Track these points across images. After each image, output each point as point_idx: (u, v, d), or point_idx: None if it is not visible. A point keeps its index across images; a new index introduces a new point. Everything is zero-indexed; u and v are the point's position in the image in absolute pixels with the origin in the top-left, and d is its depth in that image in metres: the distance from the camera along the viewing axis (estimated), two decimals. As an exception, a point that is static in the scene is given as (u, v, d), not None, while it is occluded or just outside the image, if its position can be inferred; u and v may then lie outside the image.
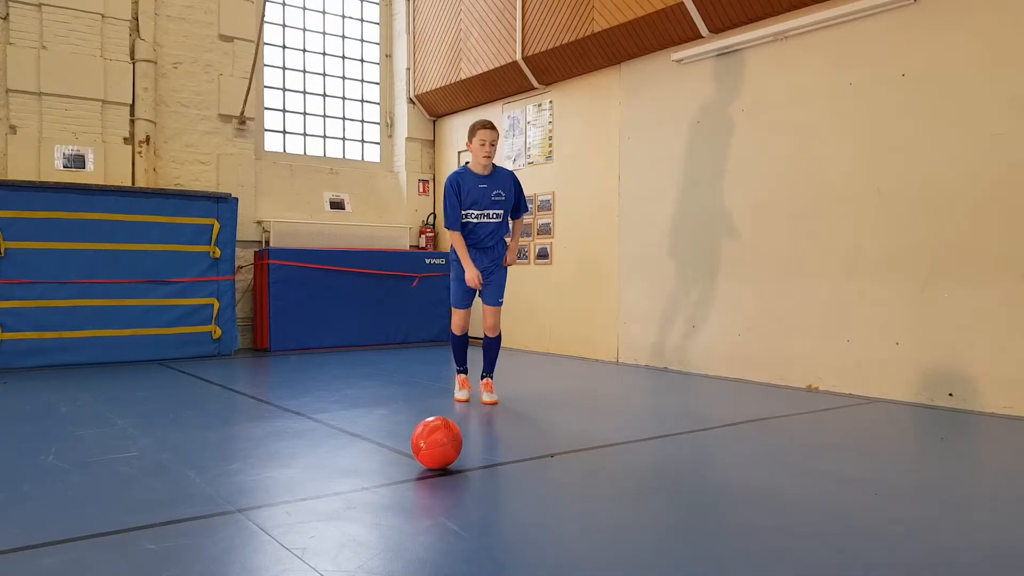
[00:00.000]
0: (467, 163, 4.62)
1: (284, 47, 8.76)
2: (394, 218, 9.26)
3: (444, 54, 8.61)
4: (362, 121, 9.40)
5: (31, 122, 6.81)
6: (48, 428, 3.90)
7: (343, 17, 9.25)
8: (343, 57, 9.23)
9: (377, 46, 9.51)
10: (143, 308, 6.84)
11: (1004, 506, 2.72)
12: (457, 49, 8.39)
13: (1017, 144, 4.40)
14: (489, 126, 4.49)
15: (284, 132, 8.77)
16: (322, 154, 9.02)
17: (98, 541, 2.27)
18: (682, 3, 5.89)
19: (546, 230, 7.78)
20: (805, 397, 5.10)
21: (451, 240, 4.61)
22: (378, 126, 9.52)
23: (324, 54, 9.06)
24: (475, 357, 4.99)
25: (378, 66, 9.51)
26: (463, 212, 4.54)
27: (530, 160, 7.97)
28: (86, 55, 6.99)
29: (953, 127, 4.68)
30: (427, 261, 8.68)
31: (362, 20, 9.42)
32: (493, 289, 4.73)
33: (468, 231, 4.59)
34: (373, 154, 9.49)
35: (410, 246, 9.18)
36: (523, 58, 7.48)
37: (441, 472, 3.07)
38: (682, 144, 6.36)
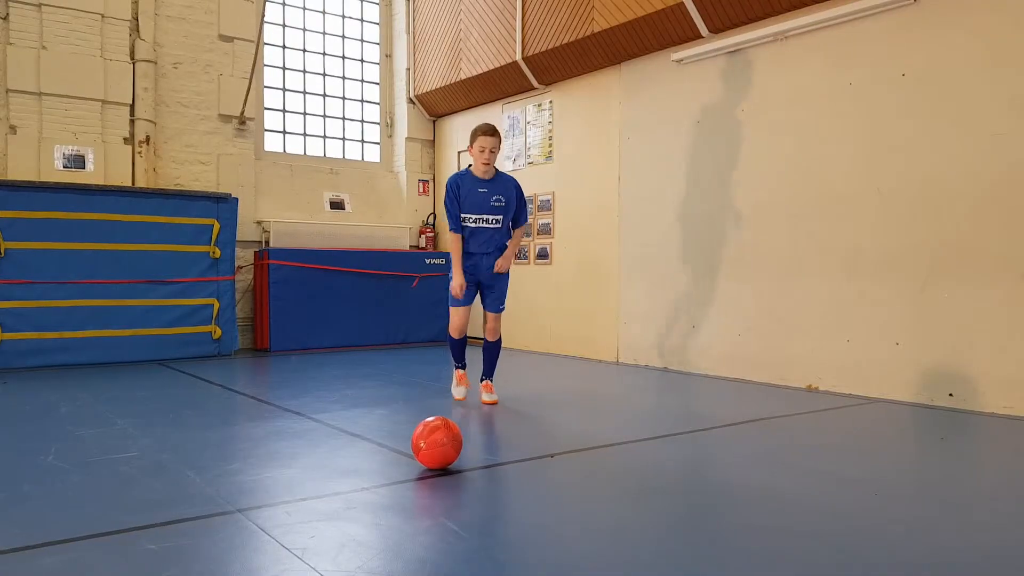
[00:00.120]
0: (469, 165, 4.54)
1: (284, 47, 8.76)
2: (394, 218, 9.26)
3: (444, 54, 8.61)
4: (362, 121, 9.40)
5: (31, 122, 6.81)
6: (48, 428, 3.90)
7: (343, 17, 9.25)
8: (343, 57, 9.23)
9: (377, 46, 9.51)
10: (143, 308, 6.84)
11: (1004, 506, 2.72)
12: (457, 49, 8.39)
13: (1017, 144, 4.40)
14: (490, 132, 4.39)
15: (284, 132, 8.77)
16: (322, 154, 9.02)
17: (98, 541, 2.27)
18: (682, 3, 5.89)
19: (546, 230, 7.78)
20: (805, 397, 5.10)
21: (449, 241, 4.59)
22: (378, 126, 9.52)
23: (324, 54, 9.06)
24: (475, 358, 4.99)
25: (378, 66, 9.52)
26: (462, 216, 4.48)
27: (530, 160, 7.97)
28: (86, 55, 6.99)
29: (953, 127, 4.68)
30: (427, 261, 8.68)
31: (362, 20, 9.42)
32: (495, 297, 4.66)
33: (467, 236, 4.51)
34: (373, 154, 9.49)
35: (410, 246, 9.18)
36: (523, 58, 7.48)
37: (441, 472, 3.07)
38: (682, 144, 6.36)
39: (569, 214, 7.52)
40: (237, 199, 7.46)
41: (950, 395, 4.68)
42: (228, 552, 2.20)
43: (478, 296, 4.72)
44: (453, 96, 8.74)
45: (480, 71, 8.03)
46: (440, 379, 5.81)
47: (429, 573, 2.04)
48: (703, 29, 6.00)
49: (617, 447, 3.59)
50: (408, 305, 8.51)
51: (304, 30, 8.92)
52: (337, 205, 8.84)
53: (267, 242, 8.18)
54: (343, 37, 9.24)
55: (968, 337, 4.60)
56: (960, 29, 4.65)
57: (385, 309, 8.37)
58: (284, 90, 8.75)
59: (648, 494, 2.85)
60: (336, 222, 8.65)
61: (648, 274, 6.68)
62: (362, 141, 9.39)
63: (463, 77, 8.31)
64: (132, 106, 7.33)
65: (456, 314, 4.61)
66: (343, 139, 9.22)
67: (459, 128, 9.05)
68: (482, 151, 4.39)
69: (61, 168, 6.87)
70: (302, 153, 8.87)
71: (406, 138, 9.31)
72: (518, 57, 7.50)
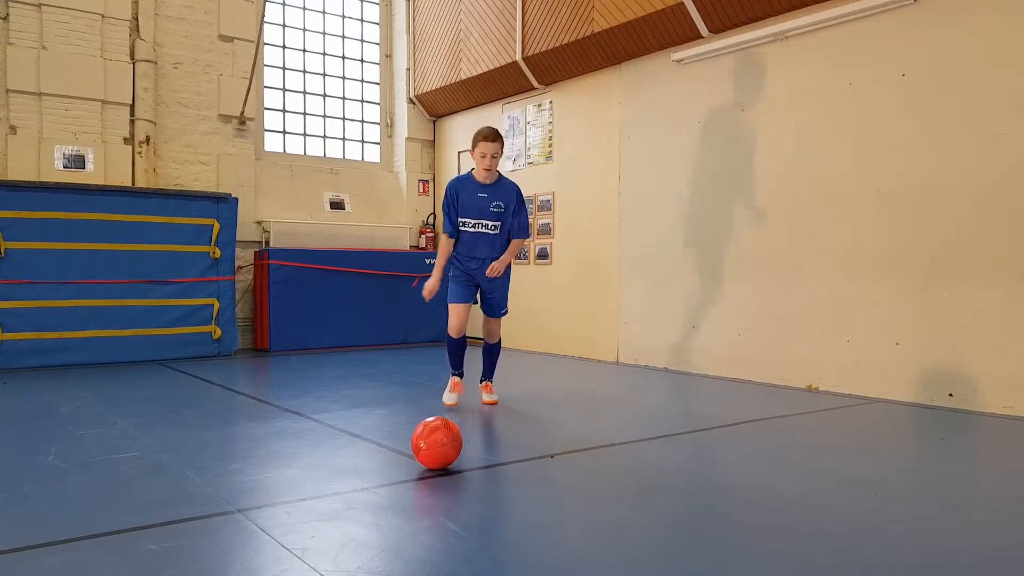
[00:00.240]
0: (472, 169, 4.50)
1: (284, 47, 8.76)
2: (394, 218, 9.26)
3: (444, 54, 8.61)
4: (362, 121, 9.40)
5: (31, 122, 6.81)
6: (48, 428, 3.90)
7: (343, 17, 9.25)
8: (343, 57, 9.23)
9: (377, 46, 9.51)
10: (143, 308, 6.84)
11: (1004, 506, 2.72)
12: (457, 49, 8.40)
13: (1017, 144, 4.40)
14: (491, 138, 4.29)
15: (284, 132, 8.77)
16: (322, 154, 9.02)
17: (98, 541, 2.27)
18: (682, 3, 5.89)
19: (546, 230, 7.78)
20: (805, 397, 5.10)
21: (440, 243, 4.56)
22: (378, 126, 9.52)
23: (324, 54, 9.07)
24: (474, 358, 4.99)
25: (378, 66, 9.52)
26: (460, 220, 4.44)
27: (530, 160, 7.97)
28: (86, 55, 6.99)
29: (953, 127, 4.68)
30: (427, 261, 8.66)
31: (362, 20, 9.42)
32: (494, 302, 4.62)
33: (465, 241, 4.47)
34: (373, 154, 9.49)
35: (410, 246, 9.18)
36: (523, 58, 7.48)
37: (441, 472, 3.07)
38: (682, 144, 6.35)
39: (569, 214, 7.52)
40: (237, 199, 7.46)
41: (950, 395, 4.68)
42: (228, 552, 2.20)
43: (480, 307, 4.68)
44: (453, 96, 8.74)
45: (480, 71, 8.03)
46: (440, 379, 5.81)
47: (429, 573, 2.04)
48: (703, 29, 6.00)
49: (617, 447, 3.59)
50: (408, 305, 8.50)
51: (304, 30, 8.92)
52: (337, 205, 8.84)
53: (267, 242, 8.18)
54: (343, 37, 9.24)
55: (968, 337, 4.60)
56: (960, 29, 4.65)
57: (385, 309, 8.37)
58: (284, 90, 8.75)
59: (648, 494, 2.85)
60: (336, 222, 8.65)
61: (648, 274, 6.68)
62: (362, 141, 9.39)
63: (463, 77, 8.31)
64: (132, 106, 7.33)
65: (454, 312, 4.50)
66: (343, 139, 9.22)
67: (459, 128, 9.05)
68: (483, 157, 4.32)
69: (61, 168, 6.87)
70: (302, 153, 8.87)
71: (406, 138, 9.31)
72: (518, 57, 7.50)
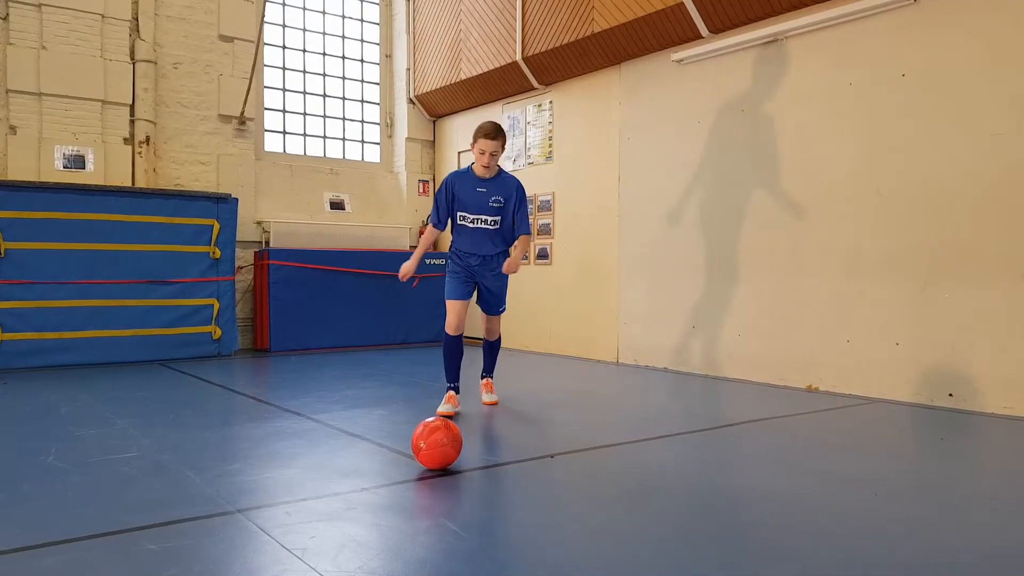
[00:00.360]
0: (472, 163, 4.41)
1: (284, 47, 8.76)
2: (394, 218, 9.26)
3: (444, 54, 8.61)
4: (362, 121, 9.40)
5: (31, 122, 6.81)
6: (48, 428, 3.90)
7: (343, 17, 9.25)
8: (343, 57, 9.23)
9: (377, 46, 9.51)
10: (143, 308, 6.84)
11: (1004, 506, 2.72)
12: (457, 49, 8.40)
13: (1017, 144, 4.40)
14: (491, 135, 4.21)
15: (284, 132, 8.77)
16: (322, 154, 9.02)
17: (98, 541, 2.27)
18: (682, 3, 5.89)
19: (546, 230, 7.78)
20: (805, 397, 5.10)
21: (425, 231, 4.51)
22: (378, 126, 9.52)
23: (324, 54, 9.07)
24: (474, 358, 4.98)
25: (378, 66, 9.52)
26: (459, 214, 4.39)
27: (530, 160, 7.97)
28: (86, 55, 6.99)
29: (953, 127, 4.68)
30: (427, 261, 8.66)
31: (362, 20, 9.42)
32: (493, 300, 4.57)
33: (464, 237, 4.41)
34: (373, 154, 9.49)
35: (410, 246, 9.17)
36: (523, 58, 7.48)
37: (441, 472, 3.07)
38: (682, 144, 6.36)
39: (569, 214, 7.52)
40: (237, 199, 7.46)
41: (950, 395, 4.68)
42: (228, 552, 2.20)
43: (477, 304, 4.64)
44: (453, 96, 8.74)
45: (480, 71, 8.03)
46: (440, 379, 5.80)
47: (429, 573, 2.04)
48: (703, 29, 6.00)
49: (617, 447, 3.59)
50: (408, 305, 8.51)
51: (304, 30, 8.92)
52: (337, 205, 8.84)
53: (267, 242, 8.18)
54: (343, 37, 9.24)
55: (968, 337, 4.60)
56: (960, 29, 4.65)
57: (385, 309, 8.37)
58: (284, 90, 8.75)
59: (648, 494, 2.85)
60: (336, 222, 8.65)
61: (648, 274, 6.68)
62: (362, 141, 9.39)
63: (463, 77, 8.31)
64: (132, 106, 7.33)
65: (452, 308, 4.38)
66: (343, 139, 9.22)
67: (459, 128, 9.05)
68: (482, 154, 4.24)
69: (61, 168, 6.87)
70: (302, 153, 8.87)
71: (406, 138, 9.32)
72: (518, 57, 7.50)
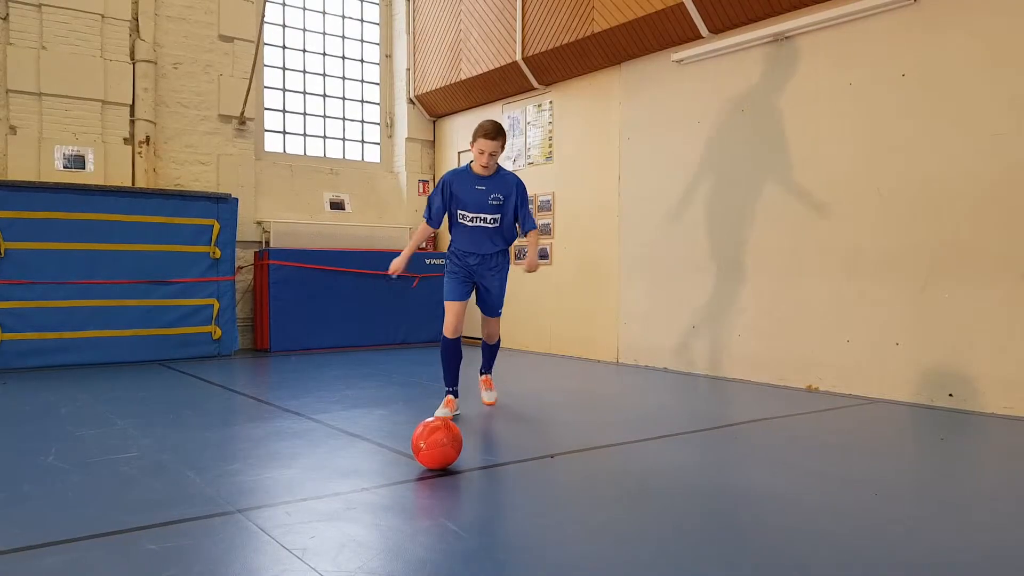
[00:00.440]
0: (471, 162, 4.31)
1: (284, 47, 8.76)
2: (394, 219, 9.26)
3: (444, 54, 8.61)
4: (362, 121, 9.40)
5: (31, 122, 6.81)
6: (48, 428, 3.90)
7: (343, 17, 9.25)
8: (343, 57, 9.23)
9: (377, 46, 9.51)
10: (143, 308, 6.84)
11: (1004, 506, 2.72)
12: (457, 49, 8.40)
13: (1017, 144, 4.40)
14: (490, 135, 4.12)
15: (284, 132, 8.77)
16: (322, 154, 9.02)
17: (98, 541, 2.27)
18: (682, 3, 5.89)
19: (546, 230, 7.78)
20: (805, 397, 5.10)
21: (419, 227, 4.45)
22: (378, 126, 9.52)
23: (324, 54, 9.07)
24: (473, 358, 4.98)
25: (378, 66, 9.52)
26: (458, 213, 4.30)
27: (530, 160, 7.97)
28: (86, 55, 6.99)
29: (953, 127, 4.68)
30: (427, 261, 8.68)
31: (362, 20, 9.42)
32: (492, 301, 4.49)
33: (463, 236, 4.34)
34: (373, 154, 9.49)
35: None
36: (523, 58, 7.48)
37: (441, 472, 3.07)
38: (682, 144, 6.36)
39: (569, 214, 7.52)
40: (237, 199, 7.46)
41: (950, 395, 4.68)
42: (228, 552, 2.20)
43: (477, 304, 4.59)
44: (453, 96, 8.74)
45: (480, 71, 8.03)
46: (440, 379, 5.81)
47: (429, 573, 2.04)
48: (703, 29, 6.00)
49: (617, 447, 3.59)
50: (408, 305, 8.51)
51: (304, 30, 8.92)
52: (337, 205, 8.84)
53: (267, 242, 8.18)
54: (343, 37, 9.24)
55: (968, 337, 4.60)
56: (960, 29, 4.65)
57: (385, 309, 8.37)
58: (284, 90, 8.75)
59: (648, 494, 2.85)
60: (336, 222, 8.65)
61: (648, 274, 6.68)
62: (362, 141, 9.39)
63: (463, 77, 8.31)
64: (132, 106, 7.33)
65: (451, 309, 4.32)
66: (343, 139, 9.22)
67: (459, 128, 9.05)
68: (481, 153, 4.15)
69: (61, 168, 6.87)
70: (302, 153, 8.87)
71: (406, 138, 9.32)
72: (518, 57, 7.50)
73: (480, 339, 4.82)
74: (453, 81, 8.46)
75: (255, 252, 8.07)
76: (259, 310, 7.93)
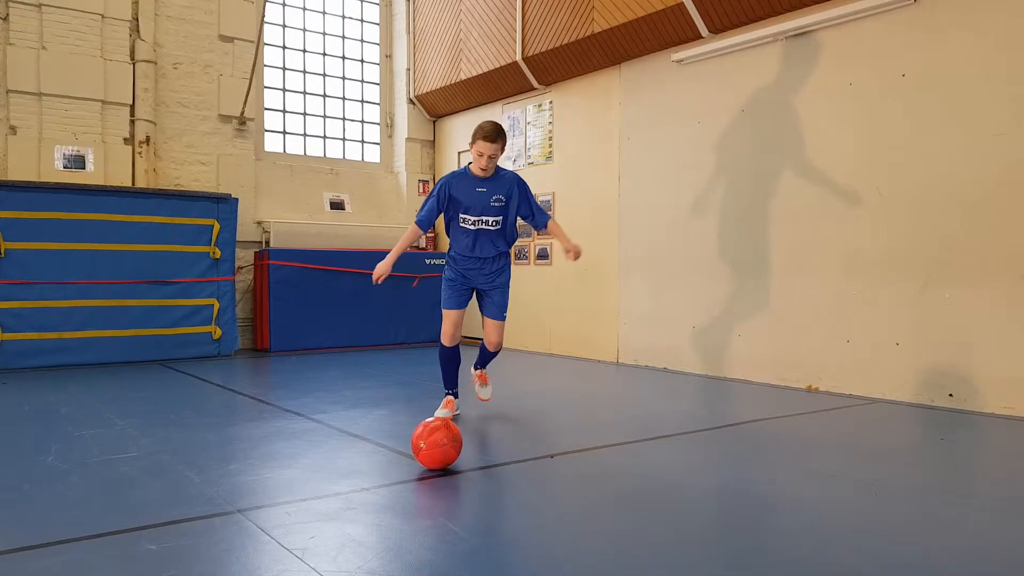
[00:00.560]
0: (469, 163, 4.17)
1: (284, 47, 8.76)
2: (394, 219, 9.26)
3: (444, 54, 8.61)
4: (362, 122, 9.40)
5: (31, 122, 6.81)
6: (48, 428, 3.90)
7: (343, 17, 9.25)
8: (343, 58, 9.24)
9: (377, 47, 9.51)
10: (143, 309, 6.84)
11: (1004, 506, 2.72)
12: (457, 49, 8.40)
13: (1017, 144, 4.40)
14: (490, 138, 3.96)
15: (284, 132, 8.77)
16: (322, 154, 9.02)
17: (98, 541, 2.27)
18: (682, 3, 5.89)
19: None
20: (805, 397, 5.10)
21: (407, 230, 4.21)
22: (378, 127, 9.52)
23: (324, 55, 9.07)
24: (471, 359, 4.97)
25: (378, 66, 9.52)
26: (460, 216, 4.13)
27: (530, 160, 7.97)
28: (86, 55, 6.99)
29: (953, 127, 4.68)
30: (427, 262, 8.68)
31: (362, 20, 9.42)
32: (495, 303, 4.29)
33: (464, 240, 4.16)
34: (373, 155, 9.49)
35: (410, 247, 9.17)
36: (523, 58, 7.48)
37: (441, 472, 3.07)
38: (682, 144, 6.36)
39: (569, 214, 7.52)
40: (237, 199, 7.46)
41: (950, 395, 4.68)
42: (228, 552, 2.20)
43: (479, 310, 4.44)
44: (453, 96, 8.74)
45: (480, 71, 8.03)
46: (440, 379, 5.81)
47: (429, 574, 2.04)
48: (703, 29, 6.00)
49: (617, 447, 3.59)
50: (408, 305, 8.51)
51: (304, 30, 8.92)
52: (337, 205, 8.84)
53: (267, 242, 8.18)
54: (343, 37, 9.24)
55: (968, 337, 4.60)
56: (960, 29, 4.65)
57: (385, 309, 8.37)
58: (284, 90, 8.75)
59: (648, 495, 2.85)
60: (336, 222, 8.65)
61: (648, 274, 6.68)
62: (362, 141, 9.40)
63: (463, 77, 8.31)
64: (132, 106, 7.33)
65: (448, 318, 4.24)
66: (343, 139, 9.22)
67: (459, 128, 9.05)
68: (480, 155, 4.00)
69: (61, 168, 6.87)
70: (302, 153, 8.87)
71: (406, 138, 9.32)
72: (518, 57, 7.50)
73: (476, 339, 4.78)
74: (453, 81, 8.46)
75: (255, 252, 8.07)
76: (259, 310, 7.93)
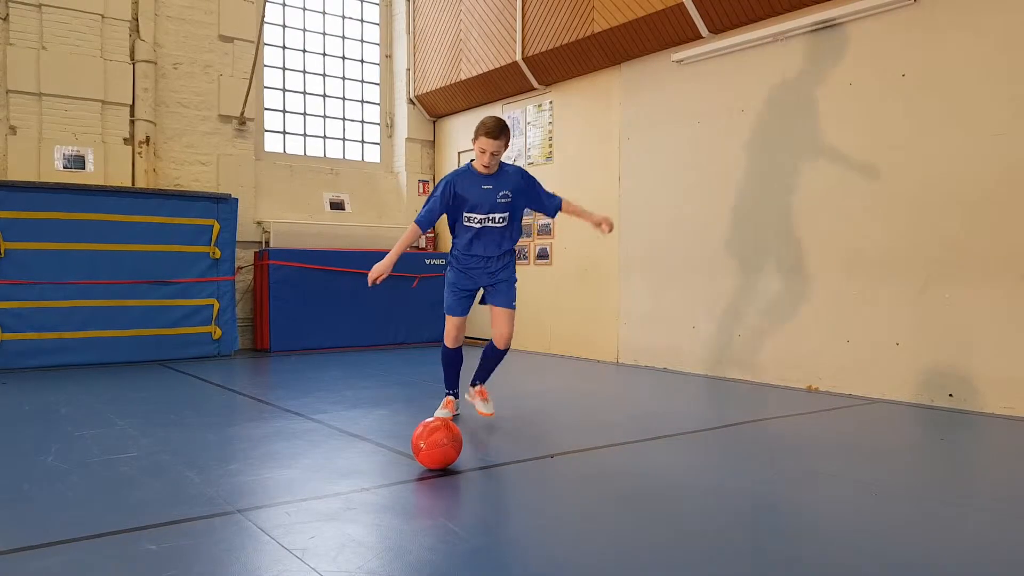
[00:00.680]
0: (471, 161, 4.07)
1: (284, 47, 8.76)
2: (394, 219, 9.26)
3: (444, 54, 8.61)
4: (362, 122, 9.40)
5: (31, 122, 6.81)
6: (48, 428, 3.90)
7: (343, 18, 9.25)
8: (343, 58, 9.24)
9: (377, 47, 9.51)
10: (143, 309, 6.84)
11: (1004, 506, 2.72)
12: (457, 49, 8.40)
13: (1017, 144, 4.40)
14: (492, 134, 3.87)
15: (284, 133, 8.77)
16: (322, 155, 9.02)
17: (98, 541, 2.27)
18: (682, 3, 5.89)
19: (546, 230, 7.78)
20: (805, 397, 5.10)
21: (407, 230, 4.06)
22: (378, 127, 9.52)
23: (324, 55, 9.07)
24: (471, 362, 4.97)
25: (378, 67, 9.52)
26: (464, 216, 4.03)
27: (530, 160, 7.97)
28: (86, 55, 6.99)
29: (953, 127, 4.68)
30: (427, 262, 8.68)
31: (362, 21, 9.42)
32: (504, 291, 4.13)
33: (470, 238, 4.05)
34: (373, 155, 9.49)
35: (410, 247, 9.16)
36: (523, 58, 7.48)
37: (441, 472, 3.07)
38: (682, 144, 6.36)
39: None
40: (237, 199, 7.46)
41: (950, 395, 4.68)
42: (228, 553, 2.20)
43: (485, 302, 4.35)
44: (453, 96, 8.74)
45: (480, 71, 8.03)
46: (440, 379, 5.80)
47: (429, 574, 2.04)
48: (703, 29, 6.00)
49: (617, 447, 3.59)
50: (408, 305, 8.50)
51: (304, 30, 8.92)
52: (337, 205, 8.84)
53: (267, 242, 8.18)
54: (343, 38, 9.24)
55: (968, 337, 4.60)
56: (960, 29, 4.65)
57: (385, 310, 8.36)
58: (284, 90, 8.75)
59: (648, 495, 2.85)
60: (336, 222, 8.65)
61: (648, 274, 6.68)
62: (362, 142, 9.40)
63: (463, 77, 8.31)
64: (132, 106, 7.33)
65: (451, 323, 4.17)
66: (343, 140, 9.22)
67: (459, 128, 9.05)
68: (483, 152, 3.91)
69: (61, 168, 6.87)
70: (302, 154, 8.87)
71: (406, 139, 9.32)
72: (518, 57, 7.50)
73: (479, 341, 4.78)
74: (453, 81, 8.46)
75: (255, 252, 8.07)
76: (259, 310, 7.93)
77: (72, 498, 2.71)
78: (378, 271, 3.93)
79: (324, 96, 9.06)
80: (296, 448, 3.51)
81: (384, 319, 8.36)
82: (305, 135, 8.91)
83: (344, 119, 9.23)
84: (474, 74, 8.13)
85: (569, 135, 7.53)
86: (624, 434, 3.89)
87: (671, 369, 6.43)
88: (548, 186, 7.59)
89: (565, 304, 7.58)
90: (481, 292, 4.24)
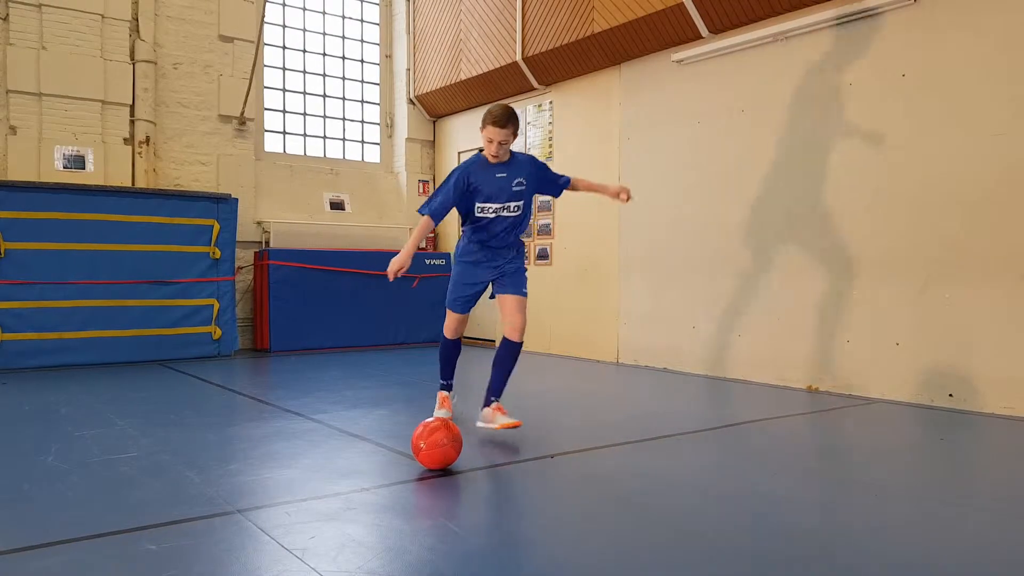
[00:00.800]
0: (481, 150, 3.94)
1: (284, 47, 8.76)
2: (394, 219, 9.26)
3: (444, 55, 8.61)
4: (362, 122, 9.40)
5: (31, 122, 6.81)
6: (48, 428, 3.90)
7: (343, 18, 9.25)
8: (343, 58, 9.24)
9: (377, 47, 9.51)
10: (143, 309, 6.84)
11: (1004, 506, 2.72)
12: (457, 49, 8.40)
13: (1017, 144, 4.40)
14: (499, 123, 3.78)
15: (284, 133, 8.77)
16: (322, 155, 9.02)
17: (98, 541, 2.27)
18: (682, 3, 5.89)
19: (546, 231, 7.78)
20: (805, 397, 5.10)
21: (420, 223, 3.89)
22: (378, 127, 9.52)
23: (324, 55, 9.07)
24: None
25: (378, 67, 9.52)
26: (478, 206, 3.88)
27: (530, 160, 7.96)
28: (86, 55, 6.99)
29: (953, 127, 4.68)
30: (427, 262, 8.68)
31: (362, 21, 9.42)
32: (513, 279, 3.98)
33: (483, 228, 3.93)
34: (373, 155, 9.49)
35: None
36: (523, 58, 7.48)
37: (441, 473, 3.07)
38: (682, 144, 6.36)
39: (569, 214, 7.52)
40: (237, 200, 7.46)
41: (950, 395, 4.68)
42: (228, 553, 2.20)
43: (494, 293, 4.19)
44: (453, 96, 8.74)
45: (480, 71, 8.03)
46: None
47: (429, 574, 2.04)
48: (703, 29, 6.00)
49: (617, 448, 3.59)
50: (408, 306, 8.51)
51: (304, 31, 8.92)
52: (337, 206, 8.84)
53: (267, 242, 8.18)
54: (343, 38, 9.24)
55: (968, 337, 4.60)
56: (960, 29, 4.65)
57: (385, 309, 8.36)
58: (284, 91, 8.75)
59: (648, 495, 2.85)
60: (336, 222, 8.65)
61: (648, 275, 6.68)
62: (362, 142, 9.40)
63: (463, 78, 8.31)
64: (132, 106, 7.33)
65: (453, 318, 4.14)
66: (343, 140, 9.22)
67: (459, 128, 9.05)
68: (490, 142, 3.81)
69: (61, 168, 6.87)
70: (302, 154, 8.87)
71: (406, 139, 9.32)
72: (518, 57, 7.50)
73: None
74: (453, 81, 8.46)
75: (255, 252, 8.07)
76: (259, 310, 7.93)
77: (72, 498, 2.71)
78: (398, 264, 3.85)
79: (324, 96, 9.06)
80: (296, 448, 3.51)
81: (384, 319, 8.37)
82: (305, 135, 8.91)
83: (344, 119, 9.23)
84: (474, 74, 8.13)
85: (569, 135, 7.53)
86: (624, 434, 3.88)
87: (671, 369, 6.43)
88: (548, 186, 7.66)
89: (565, 304, 7.58)
90: (490, 288, 4.13)
